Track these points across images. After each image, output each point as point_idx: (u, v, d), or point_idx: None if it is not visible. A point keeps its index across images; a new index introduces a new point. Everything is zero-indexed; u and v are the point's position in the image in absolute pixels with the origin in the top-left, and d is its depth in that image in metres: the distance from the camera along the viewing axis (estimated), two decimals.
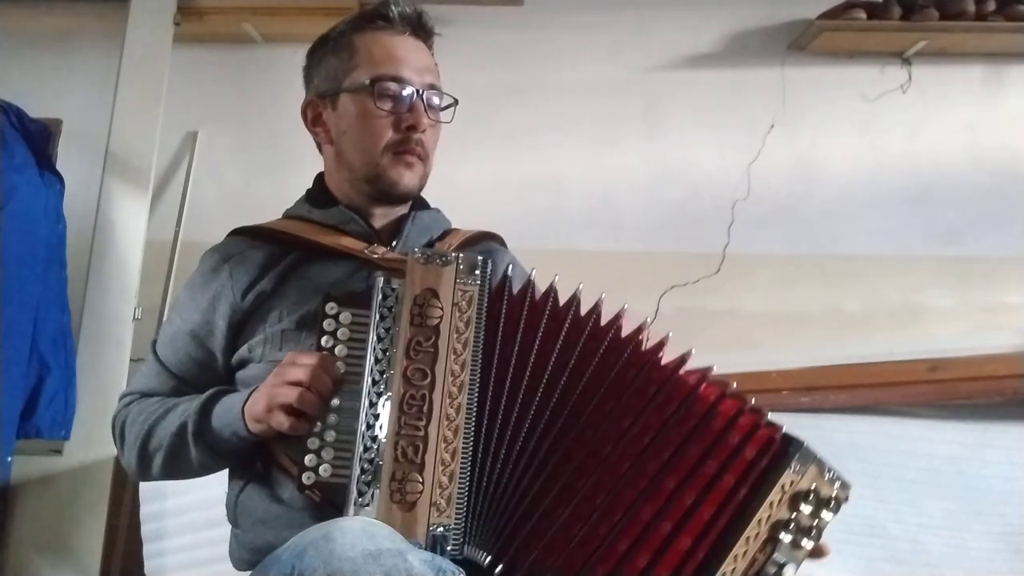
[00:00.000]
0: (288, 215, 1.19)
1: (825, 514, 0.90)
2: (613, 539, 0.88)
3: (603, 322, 0.95)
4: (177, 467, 1.06)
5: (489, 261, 0.94)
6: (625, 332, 0.95)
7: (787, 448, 0.90)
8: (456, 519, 0.86)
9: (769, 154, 2.45)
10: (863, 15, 2.33)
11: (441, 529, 0.85)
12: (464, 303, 0.92)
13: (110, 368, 2.08)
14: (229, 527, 1.10)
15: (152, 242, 2.23)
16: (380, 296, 0.92)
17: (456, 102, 1.17)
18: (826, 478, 0.91)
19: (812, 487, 0.90)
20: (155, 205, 2.34)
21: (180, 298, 1.16)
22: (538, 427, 0.92)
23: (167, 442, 1.04)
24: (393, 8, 1.12)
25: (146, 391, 1.13)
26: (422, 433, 0.87)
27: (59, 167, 2.11)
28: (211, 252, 1.15)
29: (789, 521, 0.89)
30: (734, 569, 0.88)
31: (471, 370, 0.90)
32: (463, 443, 0.88)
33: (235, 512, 1.06)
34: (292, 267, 1.10)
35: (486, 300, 0.93)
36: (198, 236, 2.27)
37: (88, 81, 2.42)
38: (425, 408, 0.88)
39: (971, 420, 2.02)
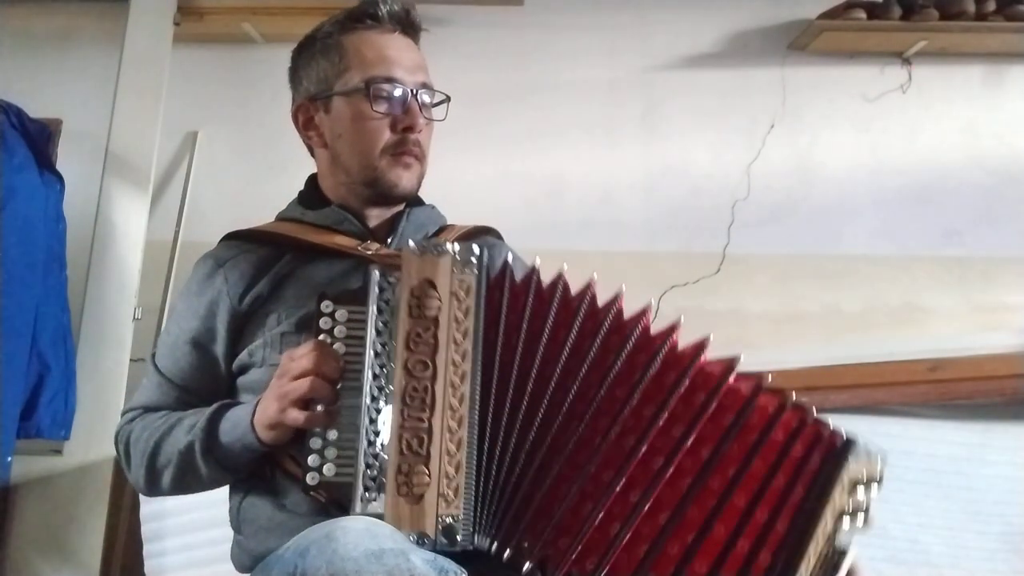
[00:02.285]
0: (281, 217, 1.19)
1: (874, 488, 0.89)
2: (663, 540, 0.85)
3: (623, 313, 0.93)
4: (187, 483, 1.05)
5: (485, 250, 0.93)
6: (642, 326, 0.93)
7: (844, 448, 0.88)
8: (464, 509, 0.86)
9: (769, 154, 2.45)
10: (863, 15, 2.32)
11: (450, 520, 0.85)
12: (462, 292, 0.91)
13: (110, 368, 2.07)
14: (229, 526, 1.09)
15: (152, 242, 2.22)
16: (377, 290, 0.91)
17: (448, 98, 1.16)
18: (872, 460, 0.89)
19: (865, 472, 0.89)
20: (155, 205, 2.34)
21: (176, 307, 1.14)
22: (547, 415, 0.90)
23: (175, 460, 1.03)
24: (382, 7, 1.10)
25: (149, 405, 1.12)
26: (426, 425, 0.86)
27: (59, 167, 2.10)
28: (205, 258, 1.14)
29: (851, 508, 0.88)
30: (808, 568, 0.86)
31: (472, 359, 0.89)
32: (468, 433, 0.87)
33: (238, 519, 1.06)
34: (288, 269, 1.09)
35: (484, 289, 0.92)
36: (198, 236, 2.27)
37: (88, 81, 2.42)
38: (428, 399, 0.87)
39: (971, 420, 2.02)
